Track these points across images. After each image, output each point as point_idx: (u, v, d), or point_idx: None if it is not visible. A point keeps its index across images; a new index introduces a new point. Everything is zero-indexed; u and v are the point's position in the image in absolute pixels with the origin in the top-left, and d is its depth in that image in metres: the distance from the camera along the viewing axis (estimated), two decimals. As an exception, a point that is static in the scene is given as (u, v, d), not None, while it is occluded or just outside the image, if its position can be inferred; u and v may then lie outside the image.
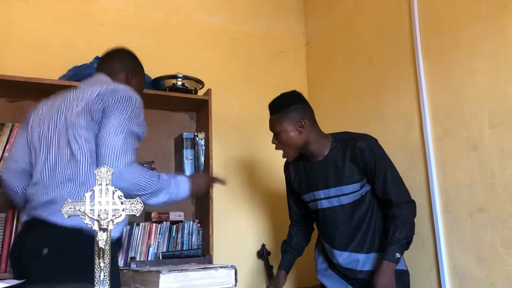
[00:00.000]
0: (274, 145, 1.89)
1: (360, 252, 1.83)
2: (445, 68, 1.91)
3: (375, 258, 1.81)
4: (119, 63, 1.73)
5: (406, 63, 2.13)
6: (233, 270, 1.02)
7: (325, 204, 1.88)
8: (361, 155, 1.79)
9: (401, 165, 2.12)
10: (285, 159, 1.95)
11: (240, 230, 2.67)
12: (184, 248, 2.30)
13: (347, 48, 2.67)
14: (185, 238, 2.32)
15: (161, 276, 0.94)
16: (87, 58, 2.28)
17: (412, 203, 1.80)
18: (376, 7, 2.40)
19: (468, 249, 1.76)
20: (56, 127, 1.51)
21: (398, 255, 1.70)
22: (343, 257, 1.86)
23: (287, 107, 1.85)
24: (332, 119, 2.78)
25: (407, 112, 2.12)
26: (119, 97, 1.49)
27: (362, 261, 1.82)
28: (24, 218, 1.49)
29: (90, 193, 0.97)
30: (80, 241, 1.26)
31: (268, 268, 2.59)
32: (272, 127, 1.88)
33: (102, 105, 1.47)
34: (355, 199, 1.83)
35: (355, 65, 2.57)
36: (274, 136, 1.88)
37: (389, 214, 1.77)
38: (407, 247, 1.75)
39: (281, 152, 1.91)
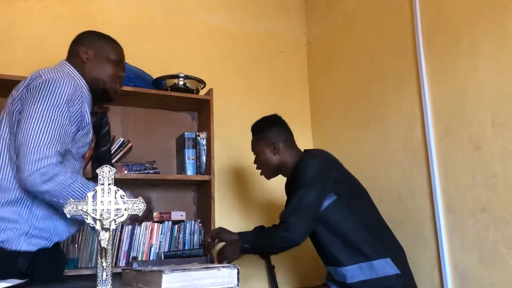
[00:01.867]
0: (255, 163, 2.06)
1: (343, 266, 1.79)
2: (447, 67, 1.90)
3: (360, 267, 1.76)
4: (73, 44, 1.60)
5: (407, 63, 2.13)
6: (236, 270, 1.02)
7: None
8: (296, 172, 1.89)
9: (403, 165, 2.12)
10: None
11: (242, 229, 2.67)
12: (186, 248, 2.30)
13: (348, 48, 2.67)
14: (186, 238, 2.32)
15: (164, 275, 0.93)
16: (89, 58, 2.28)
17: (285, 227, 1.76)
18: (378, 7, 2.40)
19: (470, 249, 1.75)
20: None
21: (247, 246, 1.86)
22: (333, 272, 1.87)
23: (263, 129, 2.01)
24: (333, 119, 2.78)
25: (409, 112, 2.11)
26: (43, 81, 1.37)
27: (349, 275, 1.78)
28: None
29: (93, 192, 0.97)
30: None
31: (270, 268, 2.59)
32: (252, 148, 2.05)
33: (27, 90, 1.38)
34: (326, 209, 1.81)
35: (356, 65, 2.56)
36: (255, 157, 2.05)
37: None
38: (254, 251, 1.93)
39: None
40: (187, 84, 2.42)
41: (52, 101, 1.34)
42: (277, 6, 3.12)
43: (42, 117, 1.31)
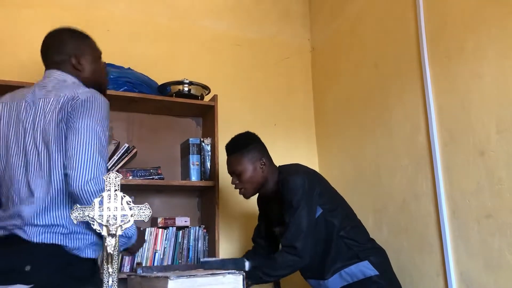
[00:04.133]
0: (233, 183, 1.93)
1: (326, 279, 1.81)
2: (451, 73, 1.90)
3: (340, 275, 1.80)
4: (60, 50, 1.57)
5: (412, 69, 2.13)
6: (241, 276, 1.02)
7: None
8: (284, 195, 1.81)
9: (407, 171, 2.12)
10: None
11: (246, 236, 2.67)
12: (190, 254, 2.30)
13: (352, 54, 2.67)
14: (191, 244, 2.32)
15: (169, 281, 0.94)
16: (94, 65, 2.30)
17: (295, 253, 1.74)
18: (381, 13, 2.41)
19: (476, 256, 1.75)
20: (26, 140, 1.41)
21: (249, 282, 1.73)
22: (315, 285, 1.89)
23: (247, 146, 1.91)
24: (338, 125, 2.78)
25: (413, 118, 2.11)
26: (84, 100, 1.39)
27: (331, 286, 1.82)
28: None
29: (99, 198, 0.98)
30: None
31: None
32: (232, 167, 1.91)
33: (67, 112, 1.38)
34: None
35: (360, 71, 2.57)
36: (234, 176, 1.92)
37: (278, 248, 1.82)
38: (260, 281, 1.77)
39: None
40: (191, 90, 2.43)
41: (97, 116, 1.39)
42: (282, 13, 3.14)
43: (91, 131, 1.35)
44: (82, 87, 1.48)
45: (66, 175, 1.31)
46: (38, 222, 1.31)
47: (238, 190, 1.93)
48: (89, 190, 1.26)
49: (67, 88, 1.46)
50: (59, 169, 1.35)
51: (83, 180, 1.27)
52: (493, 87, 1.71)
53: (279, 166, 1.97)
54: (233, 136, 2.72)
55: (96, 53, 1.65)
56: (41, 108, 1.42)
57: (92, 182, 1.27)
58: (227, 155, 1.94)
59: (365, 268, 1.80)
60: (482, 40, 1.76)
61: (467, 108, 1.82)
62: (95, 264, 1.41)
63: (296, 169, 1.92)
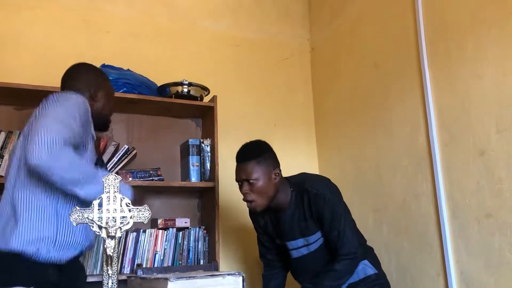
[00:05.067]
0: (245, 193, 1.77)
1: None
2: (451, 73, 1.90)
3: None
4: (81, 81, 1.67)
5: (411, 69, 2.13)
6: (241, 278, 1.02)
7: (294, 254, 1.86)
8: (315, 208, 1.75)
9: (407, 171, 2.12)
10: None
11: (246, 236, 2.67)
12: (190, 255, 2.30)
13: (352, 54, 2.67)
14: (191, 245, 2.32)
15: (169, 283, 0.94)
16: (94, 66, 2.30)
17: (355, 256, 1.75)
18: (381, 13, 2.40)
19: (476, 255, 1.75)
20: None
21: None
22: None
23: (263, 153, 1.78)
24: (337, 125, 2.78)
25: (413, 118, 2.11)
26: (52, 96, 1.46)
27: None
28: None
29: (98, 200, 0.98)
30: None
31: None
32: (246, 174, 1.75)
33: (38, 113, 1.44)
34: (321, 243, 1.82)
35: (360, 71, 2.57)
36: (245, 184, 1.76)
37: (331, 259, 1.77)
38: None
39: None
40: (191, 91, 2.43)
41: (67, 105, 1.43)
42: (281, 13, 3.14)
43: (56, 114, 1.38)
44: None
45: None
46: None
47: (241, 195, 1.82)
48: (43, 164, 1.29)
49: None
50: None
51: (33, 153, 1.29)
52: (493, 87, 1.71)
53: (287, 178, 1.88)
54: (233, 137, 2.72)
55: (112, 91, 1.78)
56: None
57: (44, 155, 1.28)
58: (240, 161, 1.79)
59: (366, 267, 1.82)
60: (482, 40, 1.76)
61: (467, 108, 1.82)
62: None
63: (316, 179, 1.87)
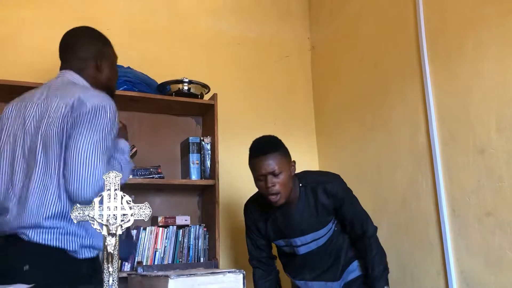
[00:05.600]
0: (270, 186, 1.71)
1: (335, 281, 1.87)
2: (451, 71, 1.90)
3: (345, 277, 1.89)
4: (84, 51, 1.56)
5: (411, 67, 2.13)
6: (241, 275, 1.02)
7: (303, 250, 1.87)
8: (334, 199, 1.80)
9: (408, 169, 2.12)
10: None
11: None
12: (191, 253, 2.30)
13: (352, 52, 2.67)
14: (191, 243, 2.32)
15: (170, 280, 0.94)
16: (94, 64, 2.30)
17: (376, 232, 1.84)
18: (381, 12, 2.40)
19: (476, 254, 1.75)
20: (28, 138, 1.42)
21: (385, 286, 1.77)
22: (318, 286, 1.89)
23: (282, 145, 1.78)
24: (337, 124, 2.78)
25: (413, 116, 2.11)
26: (91, 108, 1.37)
27: (336, 287, 1.88)
28: None
29: (99, 198, 0.98)
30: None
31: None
32: (272, 166, 1.70)
33: (72, 118, 1.36)
34: (329, 236, 1.87)
35: (360, 70, 2.57)
36: (270, 177, 1.70)
37: (359, 247, 1.84)
38: (388, 275, 1.81)
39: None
40: (191, 89, 2.43)
41: (101, 131, 1.37)
42: (281, 12, 3.13)
43: (95, 143, 1.34)
44: (92, 91, 1.47)
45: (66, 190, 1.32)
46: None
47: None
48: (91, 198, 1.25)
49: (76, 91, 1.43)
50: (55, 172, 1.35)
51: (83, 192, 1.28)
52: (493, 85, 1.71)
53: (296, 174, 1.88)
54: (233, 135, 2.71)
55: (115, 59, 1.67)
56: (46, 109, 1.41)
57: (91, 192, 1.29)
58: (263, 154, 1.71)
59: (358, 267, 1.89)
60: (482, 39, 1.76)
61: (467, 107, 1.82)
62: (94, 263, 1.41)
63: (328, 173, 1.93)
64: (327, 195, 1.79)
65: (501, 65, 1.68)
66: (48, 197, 1.34)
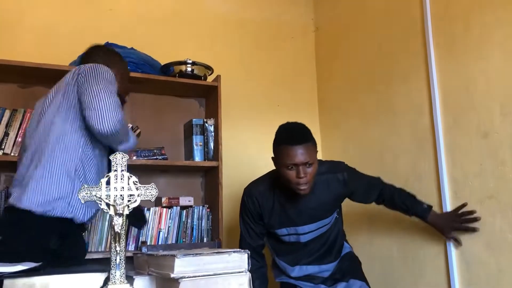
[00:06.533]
0: (303, 177, 1.65)
1: (329, 263, 1.90)
2: (456, 55, 1.89)
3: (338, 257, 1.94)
4: (99, 59, 1.70)
5: (416, 50, 2.12)
6: (246, 255, 1.03)
7: (306, 237, 1.85)
8: (347, 187, 1.83)
9: (411, 154, 2.13)
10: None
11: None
12: (194, 233, 2.33)
13: (356, 34, 2.65)
14: (195, 223, 2.35)
15: (176, 260, 0.95)
16: (97, 44, 2.29)
17: (381, 180, 1.95)
18: (387, -7, 2.38)
19: (477, 236, 1.77)
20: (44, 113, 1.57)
21: (425, 205, 1.85)
22: (313, 269, 1.90)
23: (312, 136, 1.73)
24: (341, 106, 2.78)
25: (417, 99, 2.11)
26: (89, 68, 1.52)
27: (330, 268, 1.91)
28: None
29: (106, 178, 0.99)
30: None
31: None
32: (306, 157, 1.64)
33: (76, 80, 1.52)
34: (332, 223, 1.89)
35: (364, 52, 2.55)
36: (303, 167, 1.65)
37: (384, 200, 1.93)
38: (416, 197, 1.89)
39: None
40: (194, 71, 2.42)
41: (103, 76, 1.51)
42: (285, -8, 3.10)
43: (103, 86, 1.47)
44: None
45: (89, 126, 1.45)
46: None
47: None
48: (115, 129, 1.43)
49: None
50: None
51: (104, 125, 1.41)
52: (498, 69, 1.70)
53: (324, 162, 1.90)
54: (236, 117, 2.70)
55: (127, 72, 1.85)
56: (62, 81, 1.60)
57: (116, 122, 1.42)
58: (298, 143, 1.65)
59: (348, 245, 2.00)
60: (488, 23, 1.75)
61: (472, 90, 1.81)
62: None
63: (336, 163, 1.92)
64: (340, 183, 1.81)
65: (506, 50, 1.67)
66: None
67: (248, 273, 1.03)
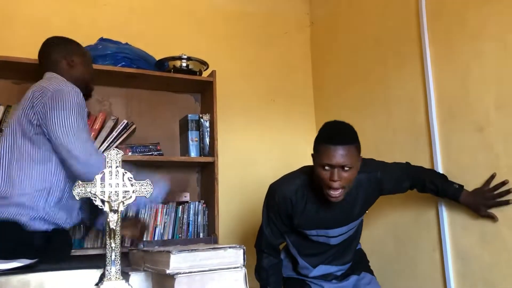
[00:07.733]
0: (336, 180, 1.54)
1: (347, 263, 1.88)
2: (452, 49, 1.89)
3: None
4: (55, 53, 1.74)
5: (411, 44, 2.12)
6: (242, 250, 1.04)
7: (337, 240, 1.80)
8: (381, 185, 1.78)
9: (406, 147, 2.13)
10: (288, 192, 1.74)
11: (244, 211, 2.70)
12: (190, 229, 2.33)
13: (352, 29, 2.65)
14: (191, 219, 2.35)
15: (172, 256, 0.95)
16: (92, 39, 2.28)
17: (408, 164, 1.91)
18: (382, -13, 2.37)
19: (472, 231, 1.78)
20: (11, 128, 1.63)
21: (456, 185, 1.77)
22: (332, 269, 1.86)
23: (358, 138, 1.61)
24: (336, 100, 2.78)
25: (412, 94, 2.11)
26: (53, 92, 1.55)
27: (345, 269, 1.89)
28: None
29: (101, 175, 0.99)
30: None
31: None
32: (344, 159, 1.53)
33: (41, 103, 1.54)
34: (358, 225, 1.87)
35: (360, 47, 2.55)
36: (338, 171, 1.54)
37: (415, 186, 1.86)
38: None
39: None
40: (190, 66, 2.41)
41: (70, 107, 1.55)
42: (280, -14, 3.09)
43: (71, 120, 1.53)
44: (56, 80, 1.64)
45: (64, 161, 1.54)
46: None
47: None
48: (92, 164, 1.47)
49: (44, 81, 1.64)
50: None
51: (79, 160, 1.49)
52: (494, 63, 1.71)
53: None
54: (232, 112, 2.70)
55: (87, 56, 1.84)
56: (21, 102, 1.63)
57: (90, 156, 1.50)
58: (338, 144, 1.54)
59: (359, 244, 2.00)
60: (484, 16, 1.75)
61: (467, 85, 1.82)
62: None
63: (371, 162, 1.84)
64: (375, 184, 1.75)
65: (502, 43, 1.67)
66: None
67: (243, 268, 1.03)
